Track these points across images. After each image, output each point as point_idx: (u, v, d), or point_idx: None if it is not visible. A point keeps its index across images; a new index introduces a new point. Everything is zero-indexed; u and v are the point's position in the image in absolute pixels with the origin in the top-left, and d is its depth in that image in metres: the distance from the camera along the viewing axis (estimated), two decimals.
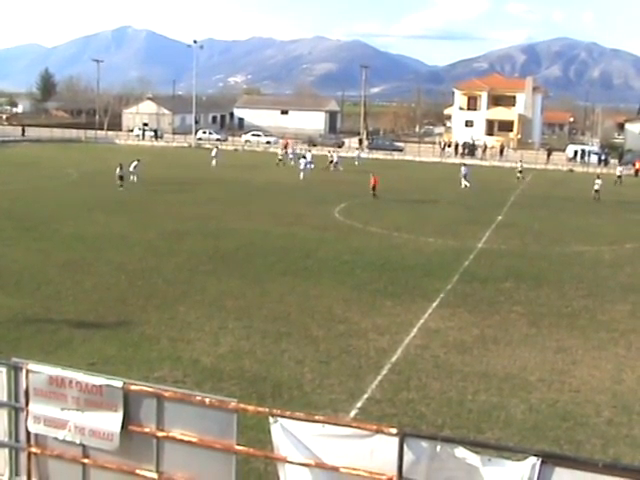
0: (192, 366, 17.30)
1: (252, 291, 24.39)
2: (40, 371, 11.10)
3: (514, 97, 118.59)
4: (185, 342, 19.03)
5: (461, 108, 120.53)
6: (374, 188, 51.04)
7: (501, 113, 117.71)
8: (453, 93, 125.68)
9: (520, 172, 69.71)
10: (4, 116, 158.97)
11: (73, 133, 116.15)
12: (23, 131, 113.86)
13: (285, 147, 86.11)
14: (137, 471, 10.70)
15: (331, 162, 73.98)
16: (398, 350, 19.04)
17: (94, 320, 20.75)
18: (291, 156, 78.65)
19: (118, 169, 51.94)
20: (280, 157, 79.48)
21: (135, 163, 55.00)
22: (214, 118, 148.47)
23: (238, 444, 10.19)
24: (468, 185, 59.78)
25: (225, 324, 20.70)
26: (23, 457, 11.56)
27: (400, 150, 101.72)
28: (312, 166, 65.10)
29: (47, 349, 17.87)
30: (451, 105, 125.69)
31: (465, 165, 64.59)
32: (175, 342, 19.00)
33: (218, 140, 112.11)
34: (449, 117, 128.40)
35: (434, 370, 17.67)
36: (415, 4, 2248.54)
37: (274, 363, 17.70)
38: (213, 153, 74.66)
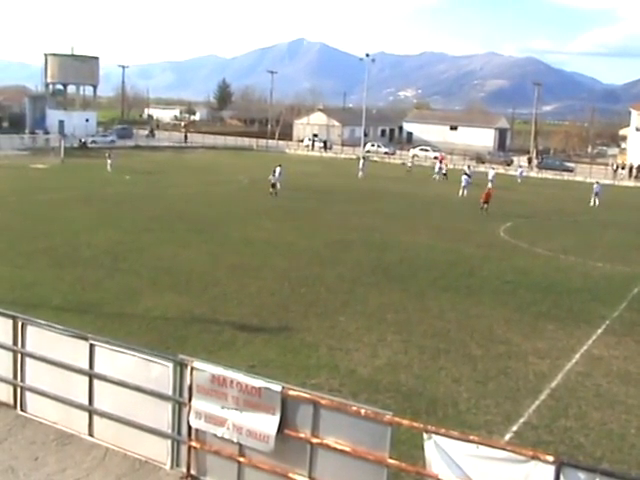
0: (349, 376, 17.41)
1: (413, 305, 24.31)
2: (204, 369, 11.49)
3: None
4: (343, 352, 19.18)
5: (637, 129, 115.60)
6: (486, 201, 50.32)
7: None
8: (630, 113, 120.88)
9: None
10: (182, 123, 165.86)
11: (245, 141, 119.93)
12: (185, 137, 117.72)
13: (440, 161, 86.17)
14: (290, 474, 10.89)
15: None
16: (558, 376, 18.47)
17: (256, 324, 21.25)
18: (438, 171, 78.35)
19: (271, 176, 53.23)
20: (409, 166, 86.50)
21: (279, 169, 55.23)
22: (383, 131, 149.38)
23: (390, 457, 10.18)
24: (598, 203, 60.52)
25: (384, 337, 20.72)
26: (184, 450, 12.01)
27: (570, 171, 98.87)
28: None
29: (210, 348, 18.42)
30: (627, 126, 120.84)
31: (598, 183, 64.79)
32: (334, 351, 19.18)
33: (386, 153, 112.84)
34: (624, 138, 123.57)
35: (595, 399, 17.02)
36: (593, 21, 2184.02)
37: (430, 379, 17.56)
38: (360, 165, 75.62)
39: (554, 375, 18.45)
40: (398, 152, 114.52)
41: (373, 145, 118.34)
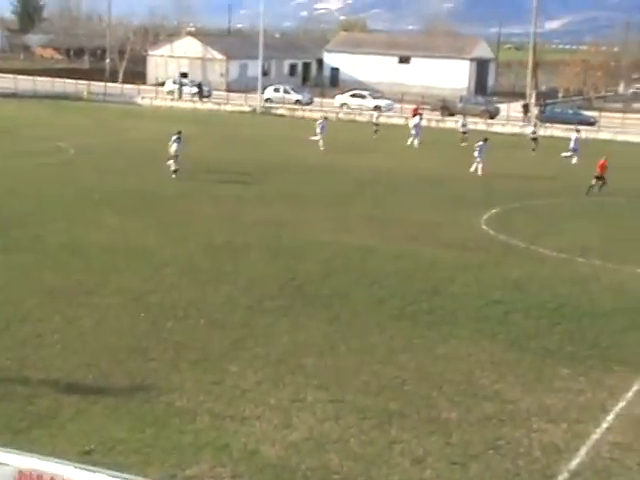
0: (247, 460, 17.36)
1: (346, 344, 24.40)
2: (5, 462, 11.25)
3: None
4: (237, 421, 19.13)
5: None
6: (601, 177, 52.07)
7: None
8: None
9: None
10: None
11: (69, 86, 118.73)
12: None
13: (414, 115, 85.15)
14: None
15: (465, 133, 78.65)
16: (581, 450, 18.69)
17: (93, 382, 21.05)
18: (414, 132, 78.61)
19: (175, 145, 51.60)
20: (376, 124, 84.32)
21: (175, 137, 53.61)
22: (292, 67, 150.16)
23: None
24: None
25: (301, 395, 20.75)
26: None
27: (591, 124, 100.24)
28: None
29: (17, 426, 18.18)
30: None
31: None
32: (221, 421, 19.13)
33: (298, 102, 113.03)
34: None
35: None
36: None
37: (377, 461, 17.63)
38: (319, 128, 72.94)
39: (574, 449, 18.68)
40: (317, 100, 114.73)
41: (277, 90, 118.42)
